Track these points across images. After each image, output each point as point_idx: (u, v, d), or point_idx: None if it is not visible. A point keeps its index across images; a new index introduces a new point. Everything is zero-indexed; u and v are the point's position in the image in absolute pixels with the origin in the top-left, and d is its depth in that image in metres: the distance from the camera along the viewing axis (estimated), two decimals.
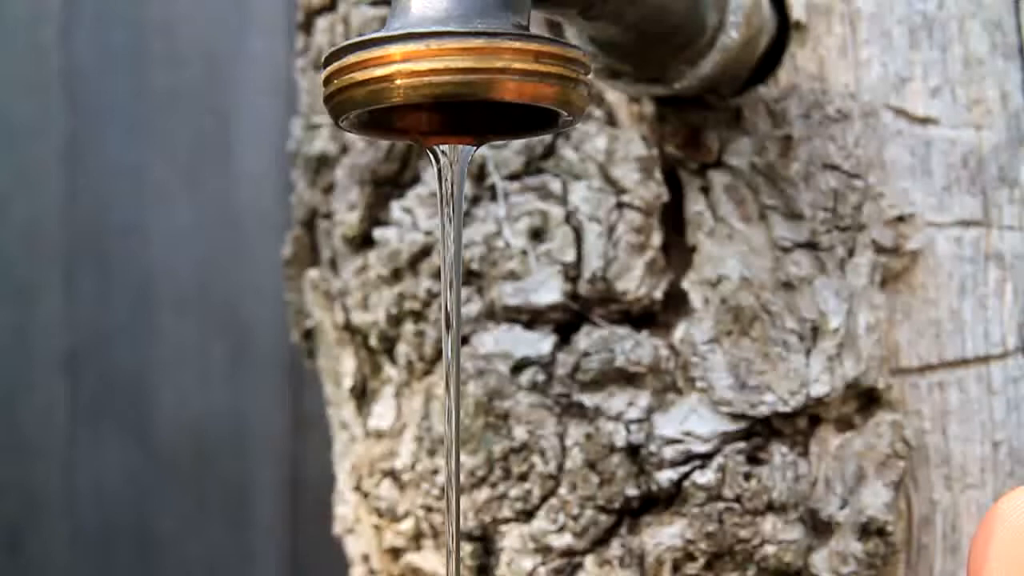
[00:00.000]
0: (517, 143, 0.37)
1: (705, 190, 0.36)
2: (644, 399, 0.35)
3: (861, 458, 0.35)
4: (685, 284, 0.36)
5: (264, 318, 0.81)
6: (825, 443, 0.35)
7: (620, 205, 0.36)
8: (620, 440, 0.35)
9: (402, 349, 0.39)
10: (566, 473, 0.35)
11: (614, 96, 0.37)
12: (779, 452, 0.34)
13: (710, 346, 0.35)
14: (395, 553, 0.39)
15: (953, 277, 0.36)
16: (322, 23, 0.43)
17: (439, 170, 0.24)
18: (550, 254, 0.36)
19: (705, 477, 0.34)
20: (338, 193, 0.42)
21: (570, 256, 0.36)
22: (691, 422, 0.35)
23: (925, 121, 0.36)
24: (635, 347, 0.35)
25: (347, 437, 0.43)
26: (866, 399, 0.36)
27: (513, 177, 0.37)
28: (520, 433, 0.35)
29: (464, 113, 0.25)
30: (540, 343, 0.36)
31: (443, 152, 0.24)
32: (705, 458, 0.34)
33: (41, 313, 0.83)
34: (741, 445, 0.34)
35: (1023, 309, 0.36)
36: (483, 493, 0.36)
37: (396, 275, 0.39)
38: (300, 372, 0.63)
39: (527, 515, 0.35)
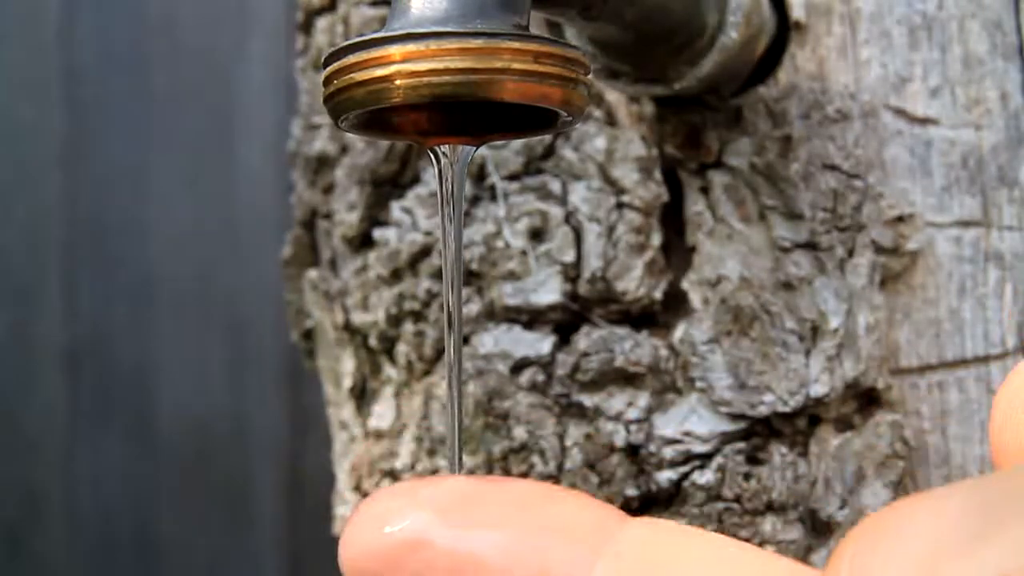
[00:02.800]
0: (517, 143, 0.37)
1: (705, 190, 0.36)
2: (644, 399, 0.35)
3: (861, 458, 0.35)
4: (685, 284, 0.36)
5: (264, 318, 0.81)
6: (825, 443, 0.35)
7: (620, 205, 0.36)
8: (620, 440, 0.35)
9: (402, 349, 0.39)
10: (566, 473, 0.35)
11: (614, 96, 0.37)
12: (779, 452, 0.34)
13: (710, 346, 0.35)
14: None
15: (953, 277, 0.36)
16: (322, 23, 0.43)
17: (439, 170, 0.24)
18: (550, 254, 0.36)
19: (705, 477, 0.34)
20: (338, 193, 0.42)
21: (570, 256, 0.36)
22: (691, 422, 0.35)
23: (925, 121, 0.36)
24: (635, 347, 0.35)
25: (347, 437, 0.43)
26: (866, 399, 0.36)
27: (513, 177, 0.37)
28: (520, 433, 0.35)
29: (464, 113, 0.25)
30: (540, 343, 0.36)
31: (443, 152, 0.24)
32: (705, 458, 0.34)
33: (41, 313, 0.83)
34: (741, 445, 0.34)
35: (1023, 309, 0.36)
36: None
37: (396, 275, 0.39)
38: (300, 372, 0.63)
39: None
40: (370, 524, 0.18)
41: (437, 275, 0.38)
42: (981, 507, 0.12)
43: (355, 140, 0.41)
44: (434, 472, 0.37)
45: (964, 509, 0.12)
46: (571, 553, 0.17)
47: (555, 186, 0.37)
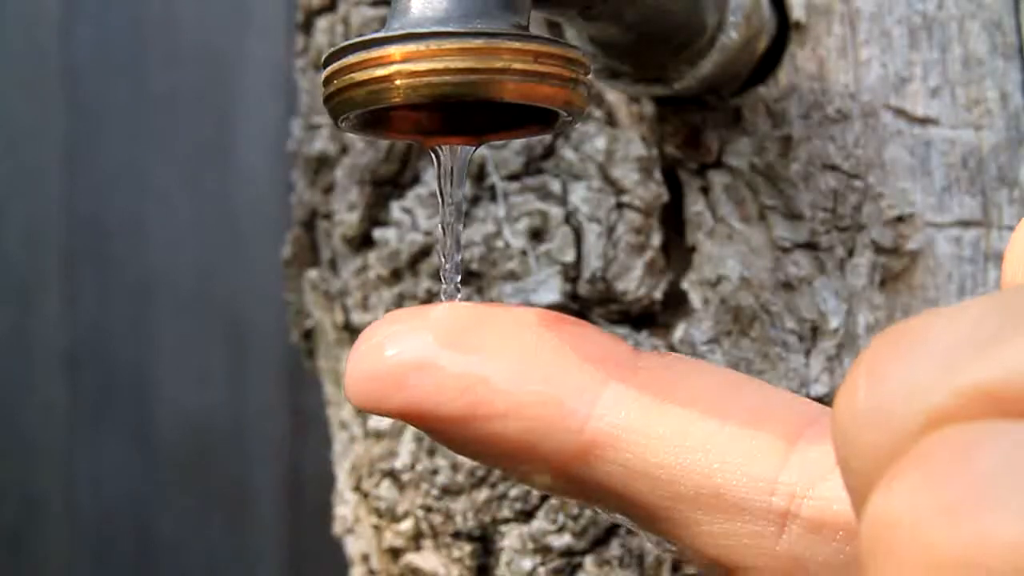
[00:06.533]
0: (517, 143, 0.37)
1: (705, 190, 0.36)
2: None
3: None
4: (685, 284, 0.36)
5: (264, 318, 0.81)
6: None
7: (620, 205, 0.36)
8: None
9: None
10: None
11: (614, 96, 0.37)
12: None
13: (710, 346, 0.35)
14: (395, 553, 0.39)
15: (953, 277, 0.36)
16: (322, 23, 0.43)
17: (439, 170, 0.24)
18: (550, 254, 0.36)
19: None
20: (338, 193, 0.42)
21: (570, 256, 0.36)
22: None
23: (925, 121, 0.36)
24: (635, 347, 0.35)
25: (347, 437, 0.43)
26: None
27: (513, 177, 0.37)
28: None
29: (464, 113, 0.25)
30: None
31: (443, 152, 0.24)
32: None
33: (41, 313, 0.83)
34: None
35: None
36: (483, 493, 0.36)
37: (396, 275, 0.39)
38: (300, 372, 0.63)
39: (527, 515, 0.35)
40: (376, 347, 0.18)
41: (437, 275, 0.38)
42: (999, 313, 0.12)
43: (355, 140, 0.41)
44: (434, 473, 0.37)
45: (982, 316, 0.12)
46: (580, 379, 0.17)
47: (555, 186, 0.37)
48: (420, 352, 0.17)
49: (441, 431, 0.17)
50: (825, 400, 0.34)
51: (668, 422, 0.17)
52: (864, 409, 0.12)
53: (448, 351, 0.17)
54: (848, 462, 0.12)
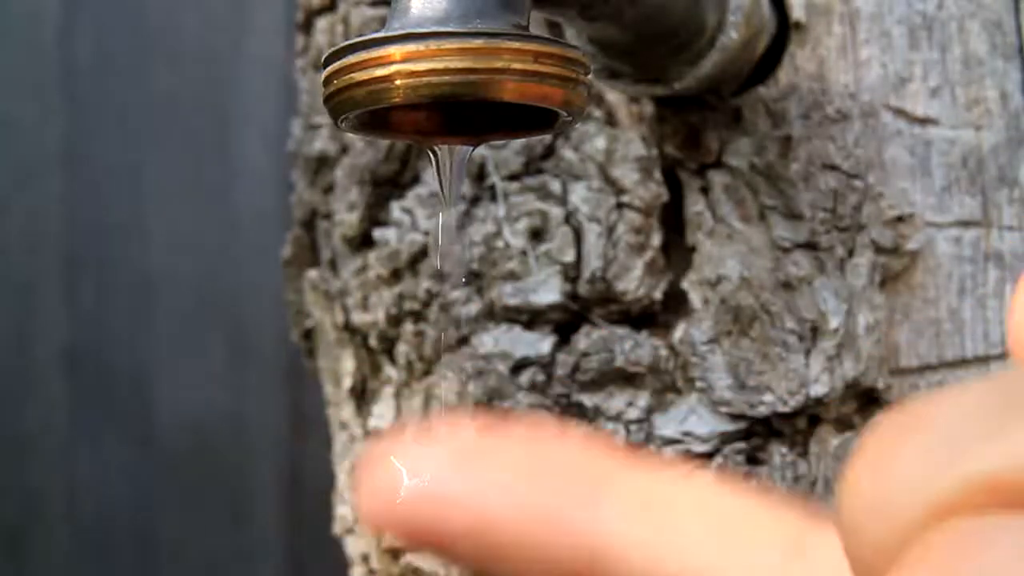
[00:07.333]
0: (517, 143, 0.37)
1: (705, 190, 0.36)
2: (643, 399, 0.35)
3: None
4: (685, 284, 0.36)
5: (264, 318, 0.81)
6: (824, 443, 0.35)
7: (620, 205, 0.36)
8: (620, 440, 0.35)
9: (402, 349, 0.39)
10: None
11: (614, 96, 0.37)
12: (778, 452, 0.34)
13: (709, 346, 0.35)
14: (395, 553, 0.39)
15: (953, 277, 0.36)
16: (322, 23, 0.43)
17: (438, 170, 0.24)
18: (550, 254, 0.36)
19: None
20: (338, 193, 0.42)
21: (570, 256, 0.36)
22: (690, 422, 0.35)
23: (925, 121, 0.36)
24: (634, 347, 0.35)
25: (347, 437, 0.43)
26: (866, 399, 0.36)
27: (513, 177, 0.37)
28: None
29: (464, 113, 0.25)
30: (540, 343, 0.36)
31: (442, 152, 0.24)
32: (704, 458, 0.34)
33: (41, 313, 0.83)
34: (740, 445, 0.34)
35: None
36: None
37: (396, 275, 0.39)
38: (300, 372, 0.63)
39: None
40: (389, 479, 0.19)
41: (437, 275, 0.38)
42: (1001, 399, 0.12)
43: (355, 140, 0.41)
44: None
45: (984, 402, 0.12)
46: (581, 494, 0.18)
47: (555, 186, 0.37)
48: (433, 478, 0.18)
49: (453, 554, 0.18)
50: (824, 400, 0.34)
51: (671, 533, 0.17)
52: (868, 501, 0.12)
53: (457, 477, 0.18)
54: (854, 554, 0.12)
